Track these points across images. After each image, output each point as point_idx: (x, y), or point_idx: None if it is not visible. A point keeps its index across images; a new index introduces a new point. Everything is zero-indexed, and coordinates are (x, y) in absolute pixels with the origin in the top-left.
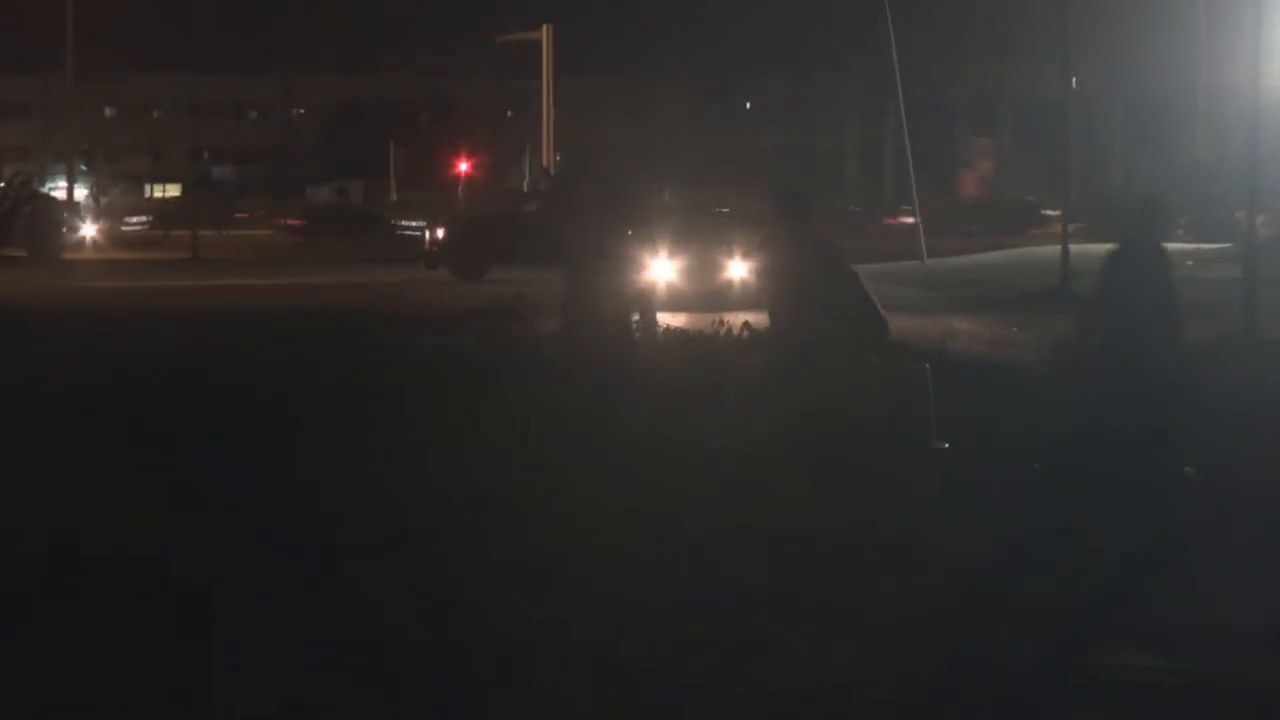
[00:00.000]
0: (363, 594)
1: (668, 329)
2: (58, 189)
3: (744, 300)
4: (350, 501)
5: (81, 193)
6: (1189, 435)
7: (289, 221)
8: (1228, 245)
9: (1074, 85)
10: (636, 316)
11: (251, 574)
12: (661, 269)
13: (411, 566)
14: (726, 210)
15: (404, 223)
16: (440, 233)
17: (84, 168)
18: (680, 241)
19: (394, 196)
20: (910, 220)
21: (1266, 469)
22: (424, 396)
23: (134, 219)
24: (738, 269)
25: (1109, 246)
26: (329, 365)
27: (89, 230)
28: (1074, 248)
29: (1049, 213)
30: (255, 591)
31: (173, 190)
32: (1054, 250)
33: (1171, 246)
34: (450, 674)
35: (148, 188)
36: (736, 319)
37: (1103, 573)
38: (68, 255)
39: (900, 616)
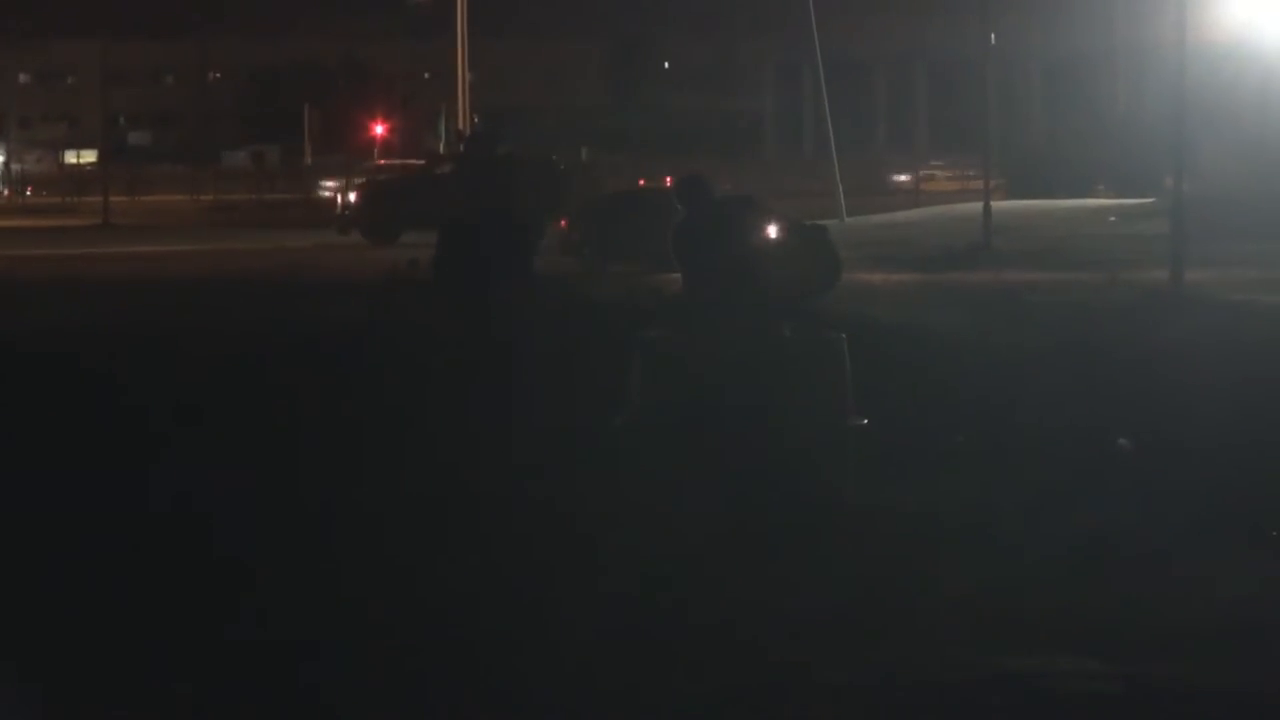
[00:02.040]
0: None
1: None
2: None
3: None
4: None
5: None
6: (1123, 400)
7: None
8: (1150, 200)
9: (993, 42)
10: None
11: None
12: None
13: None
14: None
15: None
16: (353, 196)
17: None
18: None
19: (309, 160)
20: None
21: (1206, 436)
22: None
23: None
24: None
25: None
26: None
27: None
28: (995, 205)
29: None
30: None
31: (88, 156)
32: (973, 208)
33: (1093, 202)
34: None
35: (63, 154)
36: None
37: (1031, 563)
38: None
39: (813, 614)
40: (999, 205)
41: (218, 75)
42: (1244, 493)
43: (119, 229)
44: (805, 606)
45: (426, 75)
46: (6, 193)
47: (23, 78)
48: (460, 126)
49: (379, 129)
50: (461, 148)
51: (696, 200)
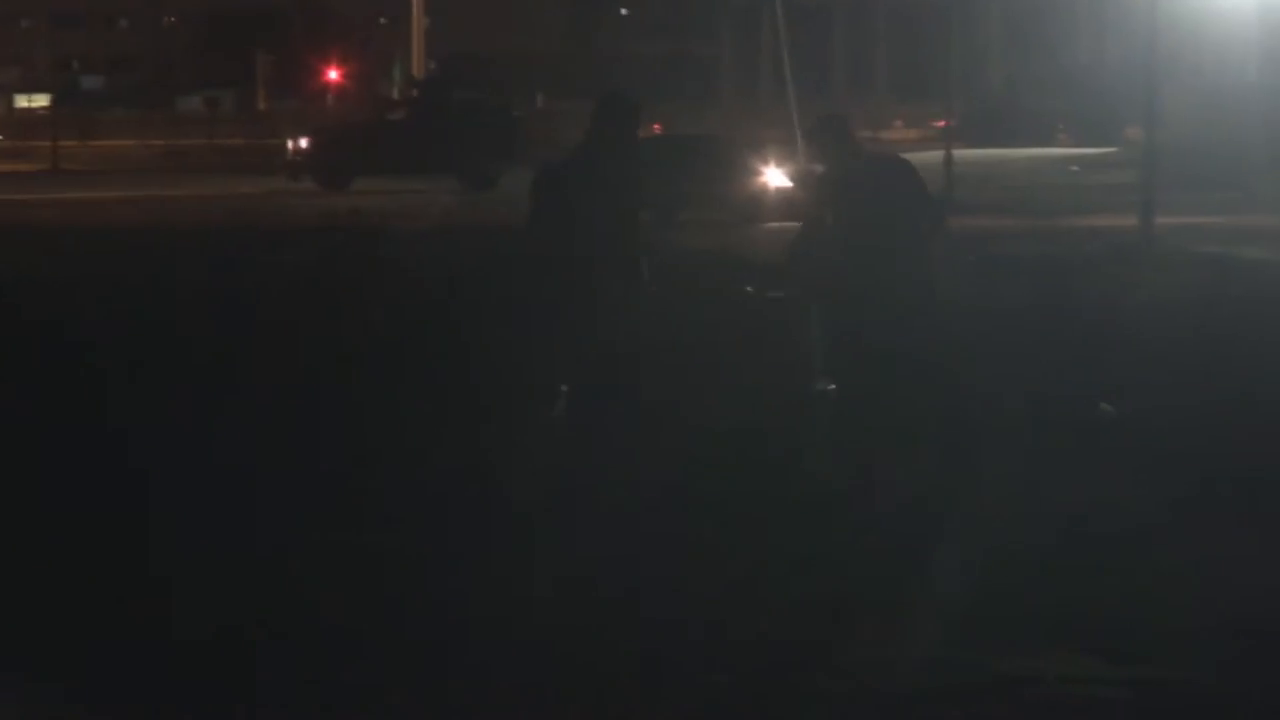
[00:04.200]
0: None
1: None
2: None
3: None
4: None
5: None
6: (1102, 364)
7: None
8: (1113, 149)
9: None
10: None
11: None
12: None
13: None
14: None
15: None
16: (304, 142)
17: None
18: None
19: (262, 106)
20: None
21: (1192, 402)
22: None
23: None
24: None
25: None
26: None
27: None
28: (954, 153)
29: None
30: None
31: (40, 100)
32: (932, 156)
33: (1055, 151)
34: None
35: (14, 98)
36: None
37: (1023, 550)
38: None
39: (795, 613)
40: (958, 153)
41: (173, 19)
42: (1240, 462)
43: (68, 174)
44: (787, 604)
45: (383, 20)
46: None
47: None
48: (415, 72)
49: (334, 74)
50: (414, 92)
51: (842, 149)
